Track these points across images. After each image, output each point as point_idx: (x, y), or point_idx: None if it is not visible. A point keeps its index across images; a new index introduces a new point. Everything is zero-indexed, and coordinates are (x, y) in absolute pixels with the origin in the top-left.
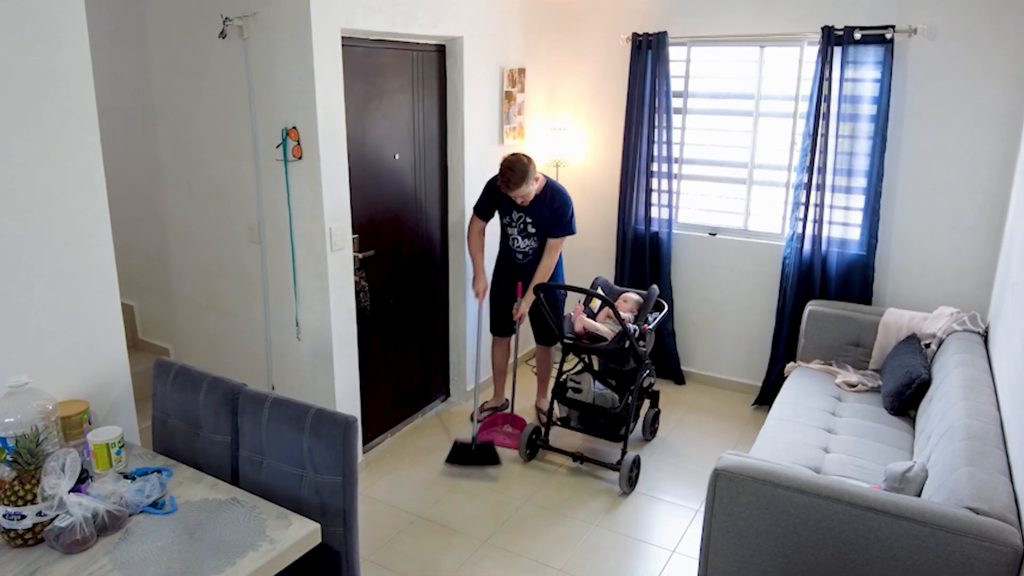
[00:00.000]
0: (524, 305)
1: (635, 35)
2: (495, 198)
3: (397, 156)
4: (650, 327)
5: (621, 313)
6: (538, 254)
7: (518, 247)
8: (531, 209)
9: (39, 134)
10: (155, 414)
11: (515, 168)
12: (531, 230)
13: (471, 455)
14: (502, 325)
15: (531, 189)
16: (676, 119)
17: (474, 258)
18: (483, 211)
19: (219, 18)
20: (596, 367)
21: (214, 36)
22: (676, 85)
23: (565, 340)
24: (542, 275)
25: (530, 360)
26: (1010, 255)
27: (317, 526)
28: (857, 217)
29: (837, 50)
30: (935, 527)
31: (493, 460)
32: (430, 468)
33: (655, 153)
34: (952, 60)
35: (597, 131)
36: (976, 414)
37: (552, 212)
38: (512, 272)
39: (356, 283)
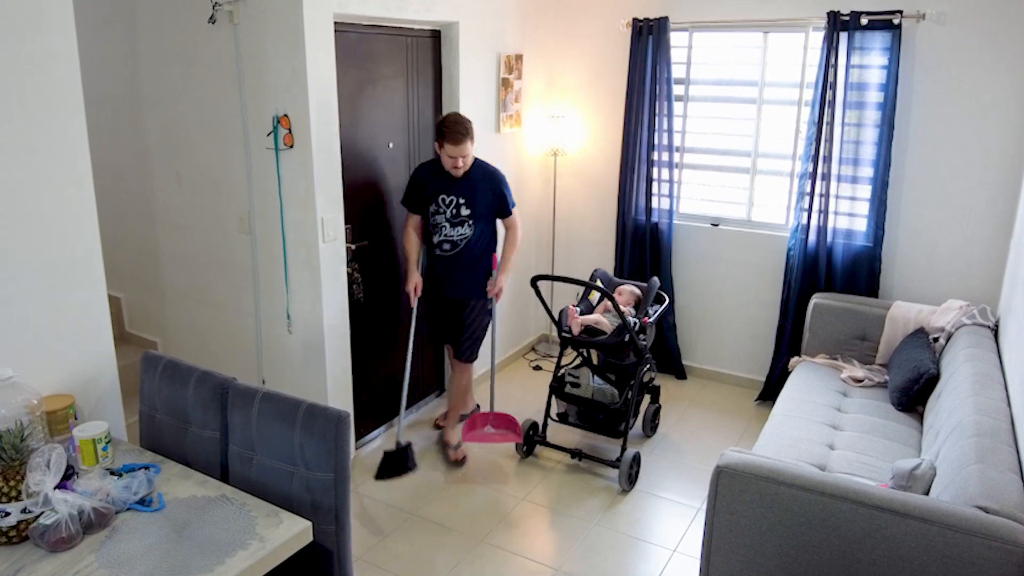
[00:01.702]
0: (501, 279)
1: (635, 20)
2: (419, 186)
3: (391, 144)
4: (651, 320)
5: (620, 306)
6: (469, 244)
7: (446, 236)
8: (464, 187)
9: (24, 121)
10: (143, 409)
11: (462, 120)
12: (464, 213)
13: (393, 462)
14: (439, 331)
15: (471, 151)
16: (677, 107)
17: (407, 254)
18: (411, 202)
19: (208, 3)
20: (595, 361)
21: (203, 21)
22: (678, 72)
23: (563, 334)
24: (511, 255)
25: (534, 348)
26: (1021, 246)
27: (308, 524)
28: (863, 207)
29: (843, 36)
30: (943, 526)
31: (405, 466)
32: (423, 465)
33: (656, 142)
34: (961, 46)
35: (596, 119)
36: (986, 410)
37: (492, 187)
38: (441, 270)
39: (349, 275)
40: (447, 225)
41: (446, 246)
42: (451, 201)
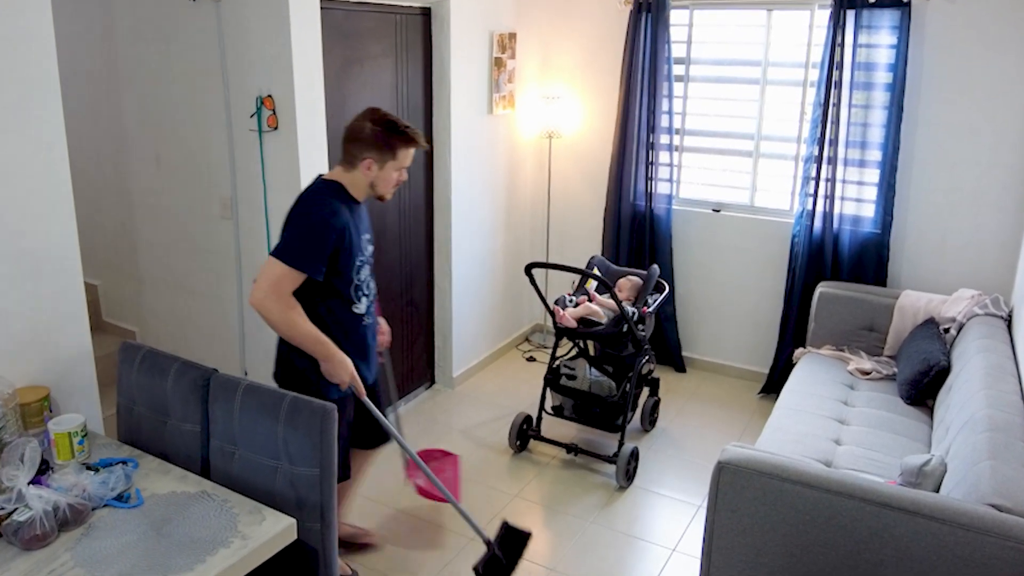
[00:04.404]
0: (384, 324)
1: None
2: (347, 235)
3: None
4: (650, 310)
5: (619, 296)
6: None
7: (372, 294)
8: (364, 213)
9: None
10: (120, 401)
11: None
12: (370, 250)
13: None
14: (367, 433)
15: None
16: (677, 87)
17: (312, 332)
18: (319, 263)
19: None
20: (592, 353)
21: None
22: (678, 51)
23: (558, 324)
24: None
25: (528, 338)
26: None
27: (292, 521)
28: (871, 193)
29: (850, 14)
30: (954, 525)
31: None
32: None
33: (655, 124)
34: (973, 24)
35: (593, 100)
36: (999, 404)
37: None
38: (371, 349)
39: None
40: (370, 279)
41: (371, 307)
42: (366, 241)
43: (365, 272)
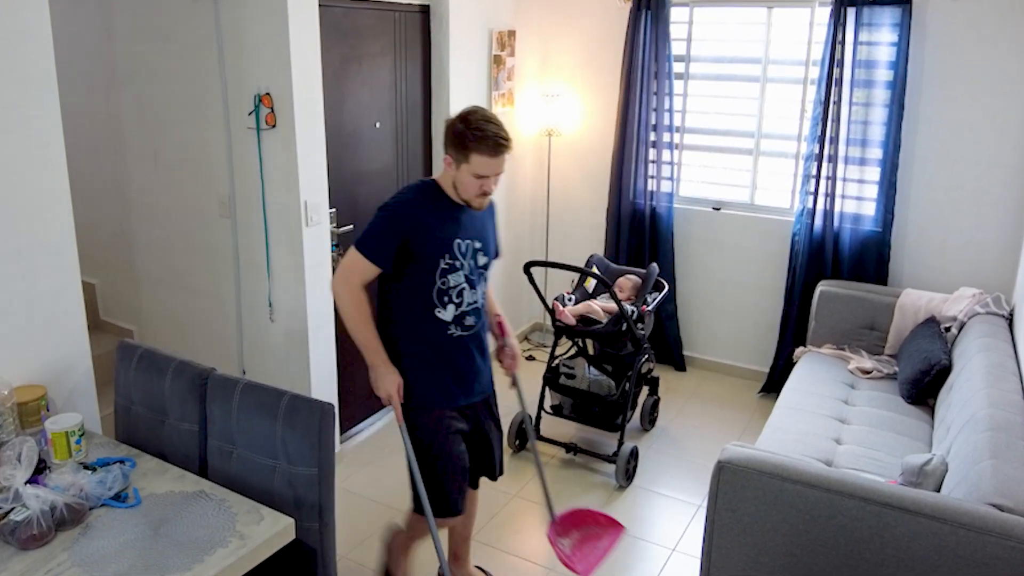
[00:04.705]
0: (515, 348)
1: None
2: (422, 229)
3: (378, 124)
4: (649, 308)
5: (618, 295)
6: (482, 309)
7: (469, 304)
8: (478, 223)
9: None
10: (118, 400)
11: (493, 118)
12: (481, 262)
13: None
14: (472, 465)
15: None
16: (678, 85)
17: (367, 336)
18: (387, 253)
19: None
20: (591, 352)
21: None
22: (678, 49)
23: (557, 323)
24: (494, 303)
25: (527, 337)
26: None
27: (291, 521)
28: (872, 191)
29: (851, 11)
30: (955, 524)
31: None
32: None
33: (655, 122)
34: (975, 22)
35: (593, 98)
36: (1000, 403)
37: (493, 216)
38: (462, 362)
39: (333, 260)
40: (466, 287)
41: (469, 320)
42: (467, 248)
43: (456, 278)
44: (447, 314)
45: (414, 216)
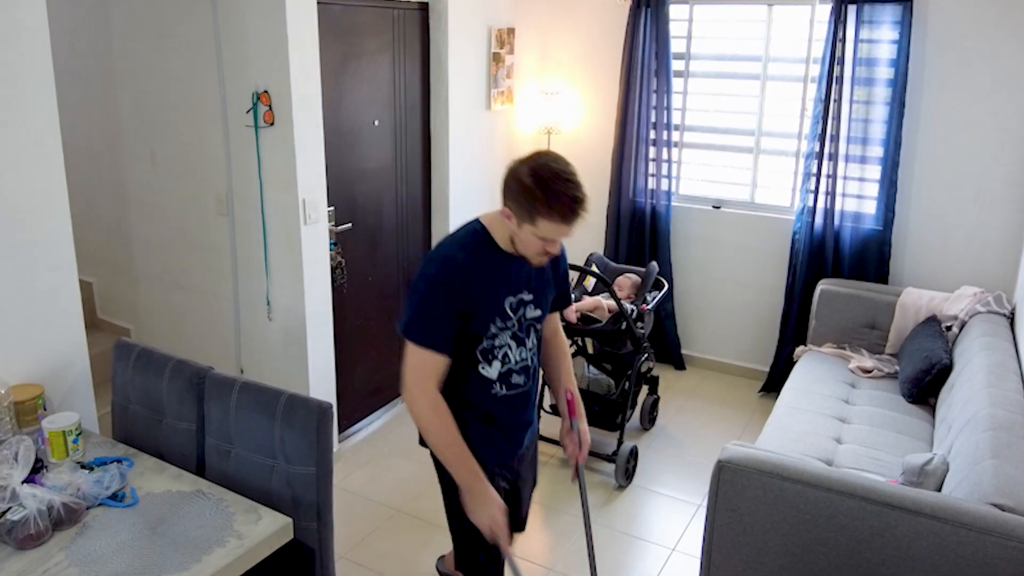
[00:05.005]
0: (585, 426)
1: None
2: (474, 296)
3: (376, 122)
4: (649, 307)
5: (618, 293)
6: (537, 365)
7: (515, 363)
8: (530, 271)
9: None
10: (115, 399)
11: (572, 175)
12: (531, 315)
13: None
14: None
15: None
16: (677, 83)
17: (458, 451)
18: (448, 334)
19: None
20: (590, 350)
21: None
22: (677, 46)
23: None
24: (569, 372)
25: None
26: None
27: (289, 521)
28: (873, 189)
29: (852, 9)
30: (956, 524)
31: None
32: (410, 459)
33: (655, 120)
34: (976, 19)
35: (592, 96)
36: (1001, 402)
37: (557, 260)
38: (505, 422)
39: (332, 259)
40: (512, 345)
41: (516, 379)
42: (516, 303)
43: (502, 338)
44: (491, 371)
45: (465, 283)
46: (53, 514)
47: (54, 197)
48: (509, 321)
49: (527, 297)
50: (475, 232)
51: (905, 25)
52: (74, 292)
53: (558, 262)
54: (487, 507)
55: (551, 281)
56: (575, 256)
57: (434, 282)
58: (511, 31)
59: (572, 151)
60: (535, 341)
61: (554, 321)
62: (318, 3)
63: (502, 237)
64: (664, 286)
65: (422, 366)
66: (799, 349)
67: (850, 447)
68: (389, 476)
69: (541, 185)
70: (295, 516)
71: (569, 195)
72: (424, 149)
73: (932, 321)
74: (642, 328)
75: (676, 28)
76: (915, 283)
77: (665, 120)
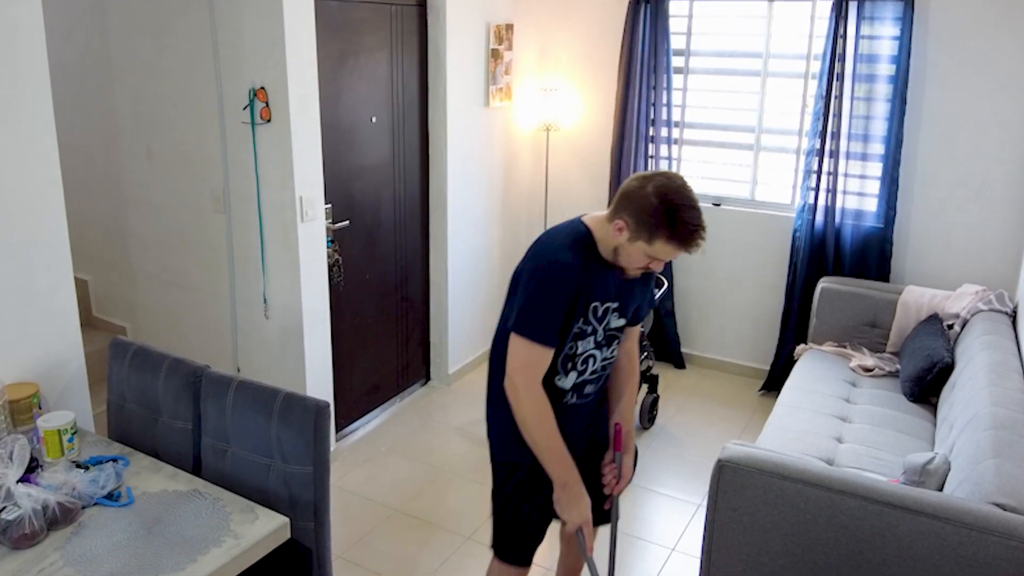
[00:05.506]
0: (630, 461)
1: None
2: (581, 296)
3: (374, 119)
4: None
5: None
6: (608, 371)
7: (591, 373)
8: (622, 281)
9: None
10: (111, 398)
11: (695, 203)
12: (615, 325)
13: None
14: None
15: None
16: (677, 80)
17: (559, 449)
18: (555, 330)
19: None
20: None
21: None
22: (677, 43)
23: None
24: (630, 403)
25: None
26: None
27: (286, 520)
28: (874, 186)
29: (853, 5)
30: (958, 524)
31: None
32: (408, 458)
33: (654, 116)
34: (978, 16)
35: (591, 92)
36: (1003, 401)
37: (648, 274)
38: (575, 428)
39: (329, 256)
40: (594, 352)
41: (588, 389)
42: (603, 310)
43: (585, 344)
44: (567, 382)
45: (571, 285)
46: (48, 513)
47: (49, 195)
48: (591, 327)
49: (614, 305)
50: (582, 235)
51: (906, 22)
52: (70, 290)
53: (649, 276)
54: (579, 504)
55: (637, 292)
56: None
57: (545, 279)
58: (509, 27)
59: (571, 148)
60: (614, 352)
61: (631, 341)
62: None
63: (605, 245)
64: (663, 284)
65: (532, 361)
66: (800, 347)
67: (851, 446)
68: (387, 475)
69: (668, 209)
70: (292, 516)
71: (694, 223)
72: (422, 146)
73: (933, 319)
74: (642, 327)
75: (676, 24)
76: (916, 281)
77: (665, 117)
